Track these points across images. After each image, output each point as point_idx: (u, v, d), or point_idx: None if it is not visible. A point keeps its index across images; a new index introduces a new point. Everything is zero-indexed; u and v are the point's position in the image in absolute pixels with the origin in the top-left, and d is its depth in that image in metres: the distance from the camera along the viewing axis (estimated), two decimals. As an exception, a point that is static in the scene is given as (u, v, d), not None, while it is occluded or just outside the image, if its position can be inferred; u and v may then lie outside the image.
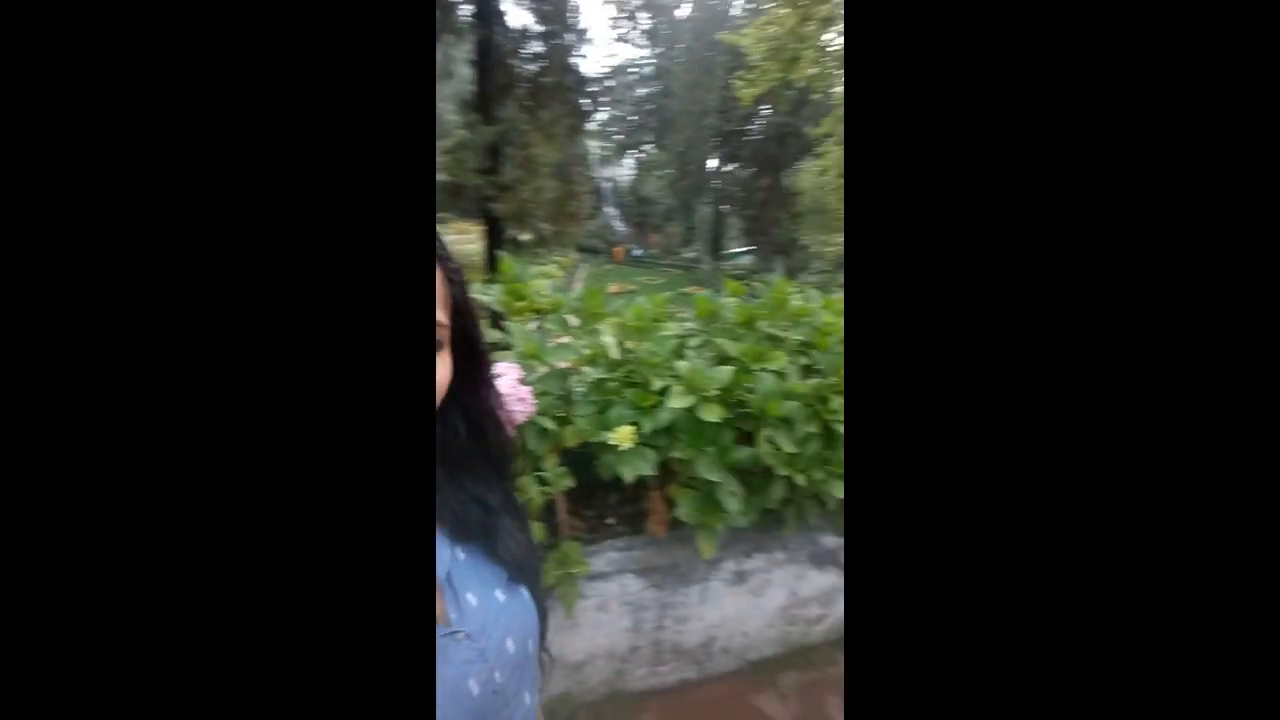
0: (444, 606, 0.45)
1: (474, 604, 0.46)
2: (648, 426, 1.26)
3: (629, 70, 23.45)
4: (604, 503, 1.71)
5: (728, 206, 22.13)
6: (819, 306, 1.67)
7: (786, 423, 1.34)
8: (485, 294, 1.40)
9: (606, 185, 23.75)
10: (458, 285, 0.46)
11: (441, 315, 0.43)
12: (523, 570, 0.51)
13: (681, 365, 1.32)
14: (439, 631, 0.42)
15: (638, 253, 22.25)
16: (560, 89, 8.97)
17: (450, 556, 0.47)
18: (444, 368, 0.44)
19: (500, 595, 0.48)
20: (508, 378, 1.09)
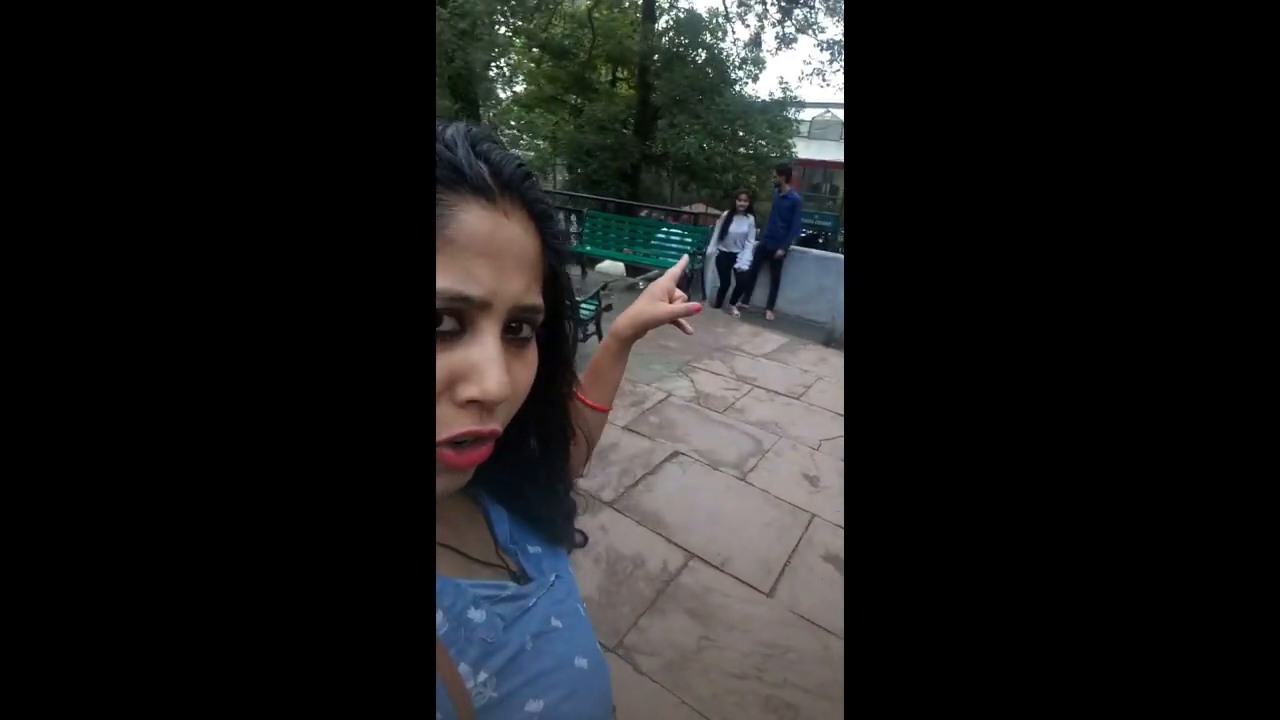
0: (513, 563, 0.43)
1: (538, 552, 0.45)
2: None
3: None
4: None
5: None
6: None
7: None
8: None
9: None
10: (558, 256, 0.37)
11: (535, 296, 0.34)
12: (566, 543, 0.50)
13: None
14: (532, 589, 0.41)
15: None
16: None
17: (507, 520, 0.45)
18: (527, 368, 0.35)
19: (549, 542, 0.47)
20: None
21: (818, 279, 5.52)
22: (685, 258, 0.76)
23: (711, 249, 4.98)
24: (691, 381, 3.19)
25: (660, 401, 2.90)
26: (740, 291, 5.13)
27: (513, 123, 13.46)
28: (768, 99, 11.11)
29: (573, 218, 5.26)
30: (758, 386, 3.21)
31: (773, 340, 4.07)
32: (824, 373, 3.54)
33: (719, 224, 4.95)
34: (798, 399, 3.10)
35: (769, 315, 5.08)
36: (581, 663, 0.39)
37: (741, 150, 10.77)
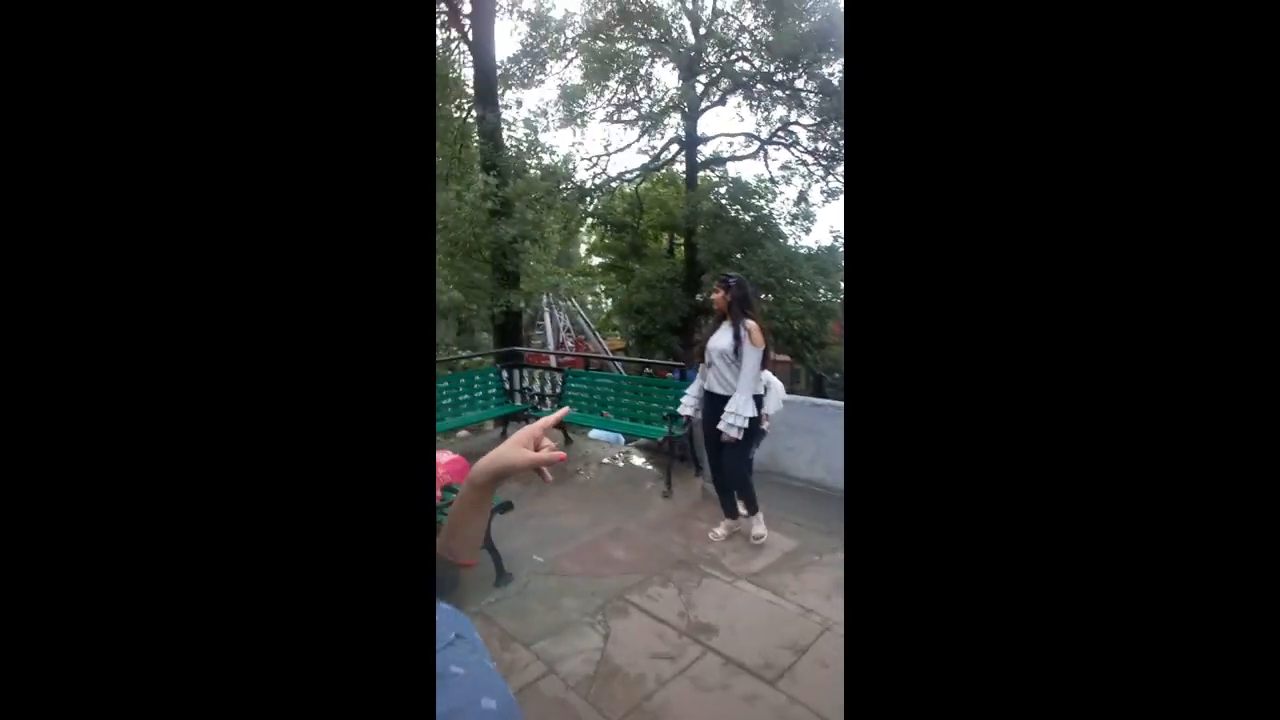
0: None
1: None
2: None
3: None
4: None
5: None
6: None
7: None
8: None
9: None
10: None
11: None
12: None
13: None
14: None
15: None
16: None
17: None
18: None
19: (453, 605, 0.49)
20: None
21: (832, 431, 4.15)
22: (565, 409, 0.75)
23: (691, 395, 2.70)
24: (605, 636, 1.94)
25: (529, 685, 1.68)
26: (728, 490, 2.67)
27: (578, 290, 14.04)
28: (814, 247, 10.60)
29: (557, 377, 4.49)
30: (712, 650, 1.88)
31: (777, 545, 2.72)
32: (838, 611, 2.13)
33: (706, 345, 2.58)
34: (773, 684, 1.72)
35: (755, 537, 2.66)
36: (489, 703, 0.40)
37: (795, 299, 10.06)
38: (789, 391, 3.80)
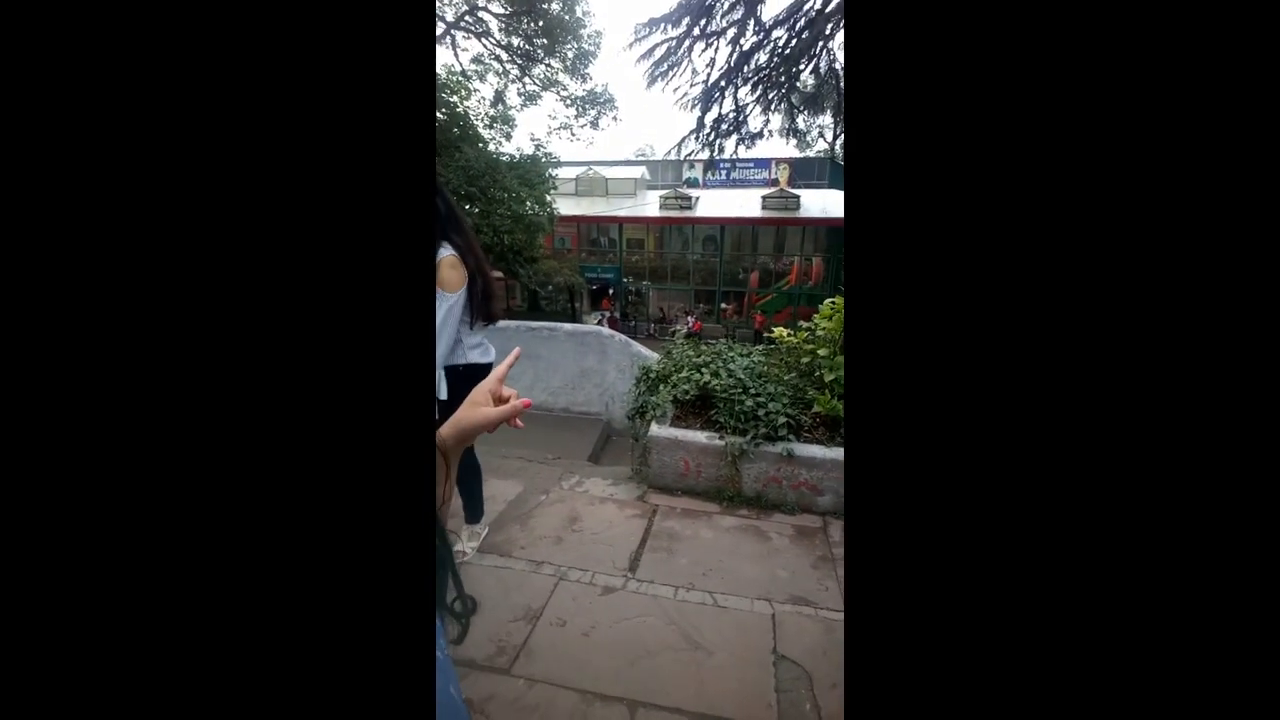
0: None
1: None
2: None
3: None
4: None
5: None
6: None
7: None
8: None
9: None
10: None
11: None
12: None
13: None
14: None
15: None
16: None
17: None
18: None
19: None
20: None
21: (578, 360, 4.16)
22: (517, 350, 0.63)
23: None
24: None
25: None
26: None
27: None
28: (516, 155, 9.98)
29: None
30: (431, 658, 1.54)
31: (501, 495, 2.45)
32: (569, 554, 2.02)
33: None
34: (508, 671, 1.50)
35: (466, 547, 2.06)
36: (454, 692, 0.39)
37: (502, 211, 9.41)
38: (506, 311, 3.43)
